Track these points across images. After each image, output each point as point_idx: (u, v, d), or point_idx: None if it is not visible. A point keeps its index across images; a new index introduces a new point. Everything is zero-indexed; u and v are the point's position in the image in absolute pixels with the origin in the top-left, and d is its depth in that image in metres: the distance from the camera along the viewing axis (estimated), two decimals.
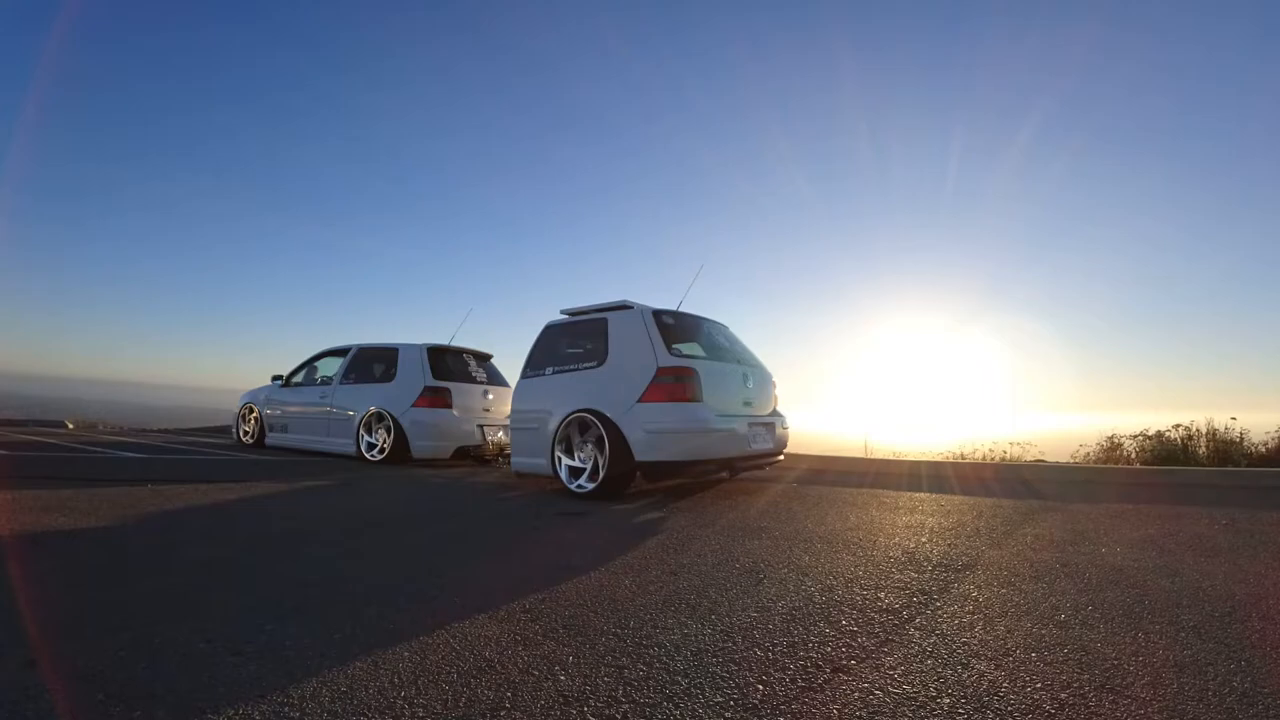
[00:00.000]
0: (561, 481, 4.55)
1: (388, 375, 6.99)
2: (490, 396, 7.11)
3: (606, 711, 1.31)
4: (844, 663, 1.56)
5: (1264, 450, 6.62)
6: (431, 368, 6.77)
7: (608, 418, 4.34)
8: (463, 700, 1.36)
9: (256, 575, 2.31)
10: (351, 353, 7.44)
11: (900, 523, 3.47)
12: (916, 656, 1.60)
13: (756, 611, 1.94)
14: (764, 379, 5.18)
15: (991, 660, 1.57)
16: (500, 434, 6.93)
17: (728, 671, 1.51)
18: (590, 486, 4.35)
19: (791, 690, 1.42)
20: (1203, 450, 6.83)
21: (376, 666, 1.52)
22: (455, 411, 6.68)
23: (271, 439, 7.89)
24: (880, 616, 1.90)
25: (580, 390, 4.65)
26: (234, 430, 8.44)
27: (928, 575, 2.37)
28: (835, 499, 4.37)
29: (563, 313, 5.22)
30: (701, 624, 1.83)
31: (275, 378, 8.11)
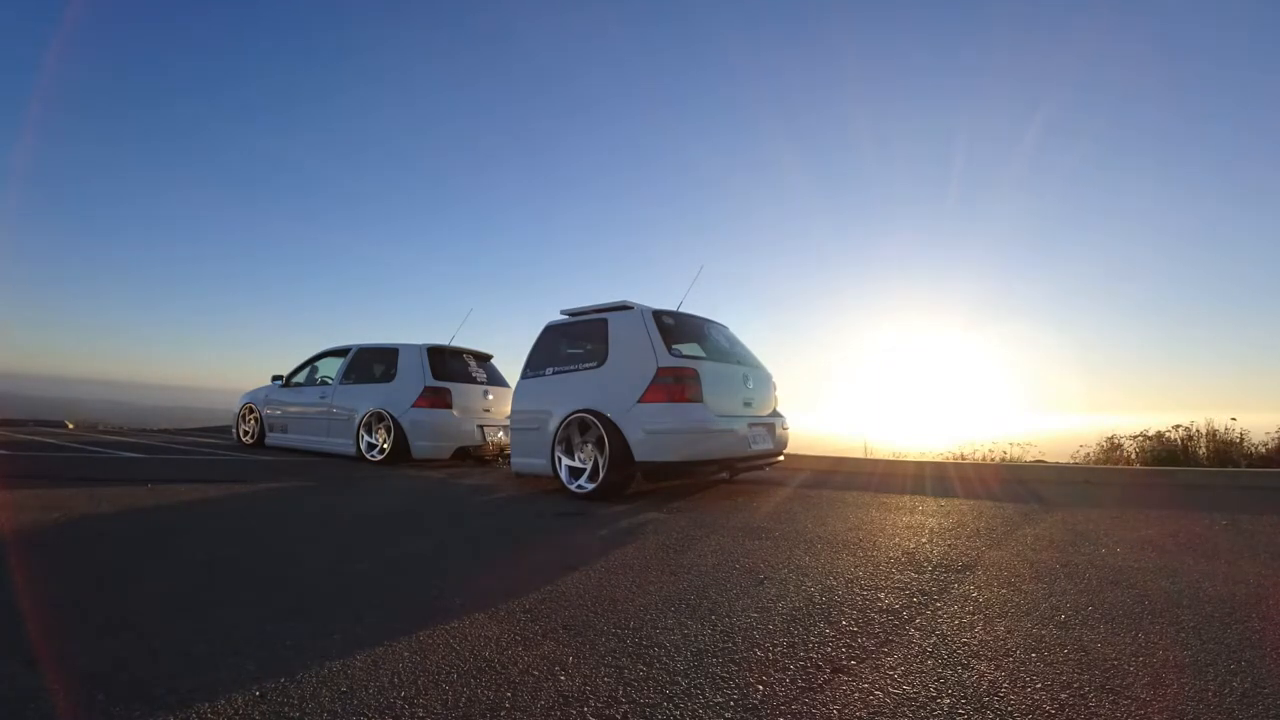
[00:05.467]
0: (561, 482, 4.55)
1: (388, 375, 6.99)
2: (490, 397, 7.11)
3: (606, 712, 1.31)
4: (844, 663, 1.56)
5: (1264, 451, 6.61)
6: (431, 368, 6.77)
7: (608, 418, 4.34)
8: (463, 700, 1.36)
9: (256, 575, 2.31)
10: (351, 353, 7.44)
11: (900, 524, 3.47)
12: (916, 657, 1.60)
13: (757, 612, 1.94)
14: (764, 379, 5.18)
15: (991, 660, 1.57)
16: (500, 434, 6.93)
17: (728, 672, 1.51)
18: (590, 487, 4.35)
19: (792, 691, 1.42)
20: (1203, 451, 6.83)
21: (376, 666, 1.52)
22: (455, 412, 6.68)
23: (271, 439, 7.89)
24: (880, 617, 1.90)
25: (580, 391, 4.65)
26: (234, 430, 8.44)
27: (928, 576, 2.37)
28: (836, 500, 4.37)
29: (563, 313, 5.22)
30: (702, 624, 1.83)
31: (275, 378, 8.11)
